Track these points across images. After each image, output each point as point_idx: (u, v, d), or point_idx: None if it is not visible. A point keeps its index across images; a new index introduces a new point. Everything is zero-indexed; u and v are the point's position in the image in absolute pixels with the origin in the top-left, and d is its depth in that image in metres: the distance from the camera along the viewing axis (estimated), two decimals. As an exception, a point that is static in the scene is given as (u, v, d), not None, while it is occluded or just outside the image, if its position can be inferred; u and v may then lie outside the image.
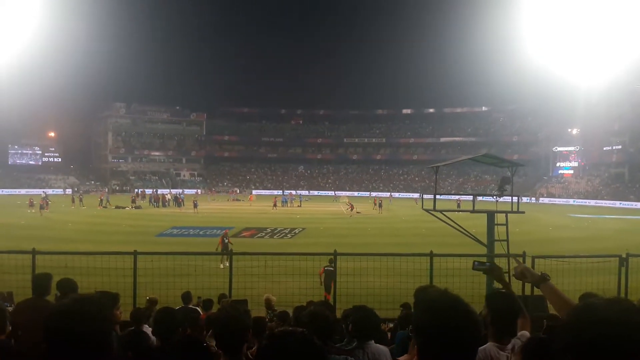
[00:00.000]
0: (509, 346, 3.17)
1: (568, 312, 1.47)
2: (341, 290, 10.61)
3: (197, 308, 8.97)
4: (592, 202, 72.05)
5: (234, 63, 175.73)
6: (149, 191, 69.32)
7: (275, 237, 29.39)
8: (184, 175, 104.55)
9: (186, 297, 9.38)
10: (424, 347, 1.57)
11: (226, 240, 20.19)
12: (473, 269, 3.70)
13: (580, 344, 1.36)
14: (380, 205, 50.18)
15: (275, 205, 52.70)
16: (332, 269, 12.17)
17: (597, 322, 1.35)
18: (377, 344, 3.94)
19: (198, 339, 3.45)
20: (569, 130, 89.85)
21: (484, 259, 3.98)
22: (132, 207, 50.13)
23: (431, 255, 10.48)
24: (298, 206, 56.11)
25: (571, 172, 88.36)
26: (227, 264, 14.10)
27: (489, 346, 3.11)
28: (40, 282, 5.27)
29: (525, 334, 3.35)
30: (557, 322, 3.82)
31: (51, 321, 1.78)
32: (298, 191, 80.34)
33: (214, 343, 3.92)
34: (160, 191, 70.02)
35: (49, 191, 71.84)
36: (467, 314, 1.58)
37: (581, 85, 78.84)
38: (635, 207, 64.67)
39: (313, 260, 11.18)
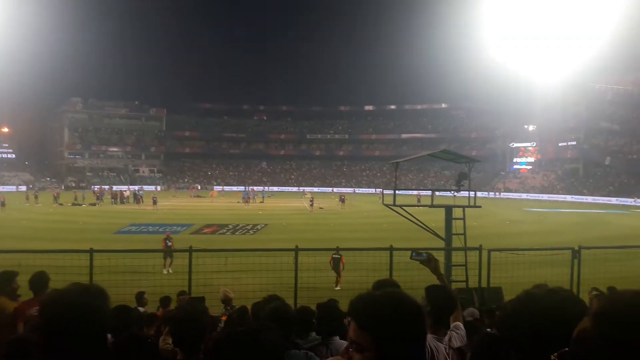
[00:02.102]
0: (446, 338, 3.25)
1: (511, 302, 1.50)
2: (302, 285, 10.61)
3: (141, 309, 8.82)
4: (547, 197, 74.24)
5: (195, 58, 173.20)
6: (105, 188, 67.87)
7: (237, 233, 29.17)
8: (143, 172, 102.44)
9: (139, 298, 9.27)
10: (378, 341, 1.54)
11: (169, 243, 18.39)
12: (411, 258, 3.75)
13: (520, 332, 1.39)
14: (342, 201, 50.50)
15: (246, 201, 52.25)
16: (337, 256, 15.02)
17: (536, 311, 1.38)
18: (342, 340, 3.93)
19: (143, 337, 3.40)
20: (526, 127, 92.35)
21: (423, 250, 4.03)
22: (97, 204, 49.33)
23: (391, 249, 10.60)
24: (261, 202, 55.88)
25: (528, 167, 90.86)
26: (171, 271, 14.24)
27: (428, 338, 3.15)
28: (3, 278, 5.21)
29: (458, 325, 3.42)
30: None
31: (50, 311, 1.60)
32: (265, 187, 79.76)
33: (169, 340, 3.87)
34: (118, 188, 68.60)
35: (2, 188, 69.27)
36: (414, 306, 1.58)
37: (538, 84, 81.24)
38: (589, 201, 66.98)
39: (274, 256, 11.14)
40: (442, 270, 4.30)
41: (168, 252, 16.34)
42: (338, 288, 14.82)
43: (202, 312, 3.11)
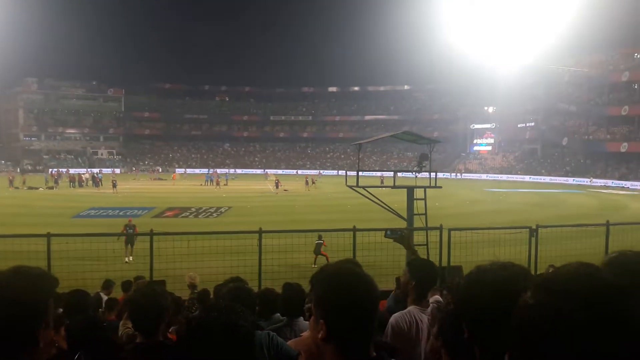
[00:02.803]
0: (428, 310, 3.35)
1: (464, 278, 1.53)
2: (266, 267, 10.62)
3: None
4: (506, 177, 76.06)
5: (154, 37, 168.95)
6: (63, 170, 66.13)
7: (200, 216, 28.89)
8: (102, 154, 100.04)
9: (107, 285, 9.12)
10: (332, 325, 1.57)
11: (130, 230, 16.83)
12: (385, 236, 3.86)
13: (471, 307, 1.42)
14: (309, 183, 50.66)
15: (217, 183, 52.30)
16: (320, 242, 15.80)
17: (486, 285, 1.40)
18: (306, 321, 3.96)
19: (97, 320, 3.34)
20: (486, 108, 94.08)
21: (397, 229, 4.16)
22: (55, 187, 48.22)
23: (354, 230, 10.68)
24: (224, 185, 55.40)
25: (488, 148, 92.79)
26: (132, 259, 13.86)
27: (412, 309, 3.30)
28: None
29: (437, 298, 3.56)
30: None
31: None
32: (229, 170, 79.10)
33: (130, 325, 3.82)
34: (75, 171, 66.84)
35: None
36: (370, 284, 1.61)
37: (498, 66, 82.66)
38: (546, 181, 68.98)
39: (238, 239, 11.09)
40: (400, 249, 4.41)
41: (129, 238, 15.75)
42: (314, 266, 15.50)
43: (160, 295, 3.06)
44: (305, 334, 3.13)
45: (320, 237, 15.95)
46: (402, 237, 3.82)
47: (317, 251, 16.07)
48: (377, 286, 1.63)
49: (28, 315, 1.46)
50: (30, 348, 1.46)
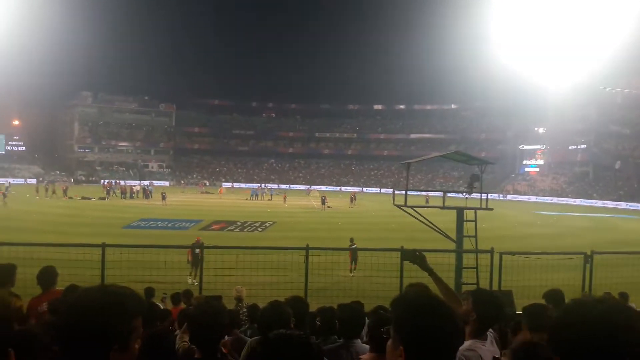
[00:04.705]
0: (488, 340, 3.20)
1: (558, 312, 1.49)
2: (312, 285, 10.60)
3: (159, 304, 8.83)
4: (556, 200, 73.77)
5: (205, 54, 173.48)
6: (114, 182, 68.29)
7: (245, 230, 29.22)
8: (152, 167, 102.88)
9: (148, 292, 9.27)
10: (410, 349, 1.56)
11: (197, 252, 14.46)
12: (402, 259, 3.75)
13: (568, 341, 1.38)
14: (352, 200, 50.60)
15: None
16: (354, 245, 16.65)
17: (585, 320, 1.37)
18: (363, 344, 3.89)
19: (170, 331, 3.39)
20: (536, 129, 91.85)
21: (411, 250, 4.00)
22: (107, 198, 49.95)
23: (402, 250, 10.55)
24: (269, 200, 55.97)
25: (537, 170, 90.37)
26: (197, 282, 12.86)
27: (471, 343, 3.06)
28: (1, 272, 5.12)
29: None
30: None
31: (73, 313, 1.50)
32: (274, 185, 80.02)
33: (186, 338, 3.88)
34: (127, 182, 68.91)
35: (13, 181, 69.72)
36: (450, 314, 1.59)
37: (548, 85, 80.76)
38: (598, 205, 66.53)
39: (285, 255, 11.12)
40: (448, 272, 4.23)
41: (195, 259, 14.29)
42: (352, 275, 16.30)
43: (219, 312, 3.11)
44: (365, 357, 3.09)
45: (352, 241, 17.14)
46: (415, 257, 3.66)
47: (355, 256, 16.58)
48: (457, 315, 1.61)
49: (105, 335, 1.49)
50: None
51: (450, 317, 1.59)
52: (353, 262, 16.81)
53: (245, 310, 7.52)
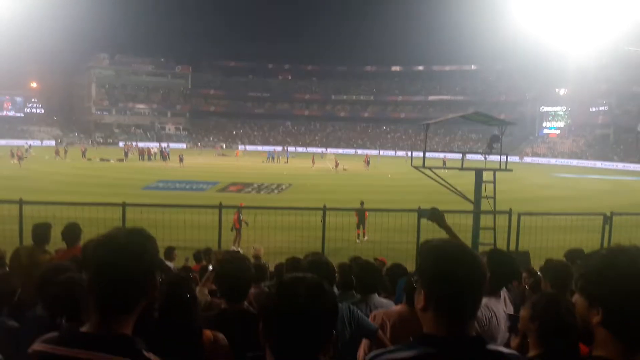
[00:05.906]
0: (501, 299, 3.23)
1: (593, 261, 1.47)
2: (329, 244, 10.69)
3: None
4: (576, 162, 72.84)
5: (221, 15, 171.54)
6: (133, 144, 68.89)
7: (262, 192, 29.40)
8: (169, 129, 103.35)
9: (168, 253, 9.48)
10: (431, 294, 1.56)
11: (242, 217, 14.84)
12: (419, 217, 3.71)
13: (606, 290, 1.37)
14: (368, 163, 50.55)
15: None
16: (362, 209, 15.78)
17: (622, 269, 1.36)
18: (381, 298, 3.94)
19: (188, 277, 3.45)
20: (557, 90, 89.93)
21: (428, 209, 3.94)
22: (125, 160, 50.37)
23: (419, 211, 10.55)
24: (285, 162, 56.08)
25: (557, 132, 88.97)
26: (239, 248, 13.16)
27: (487, 302, 3.04)
28: (40, 231, 5.41)
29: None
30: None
31: (100, 254, 1.53)
32: (291, 147, 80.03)
33: (206, 291, 3.95)
34: (144, 144, 69.48)
35: (31, 142, 70.63)
36: (477, 264, 1.58)
37: (570, 46, 78.52)
38: (618, 167, 65.59)
39: (302, 215, 11.19)
40: (465, 232, 4.19)
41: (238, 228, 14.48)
42: (366, 238, 15.84)
43: (247, 264, 3.20)
44: (396, 307, 3.11)
45: (362, 204, 16.19)
46: (434, 214, 3.62)
47: (362, 220, 16.01)
48: (483, 264, 1.59)
49: (153, 267, 1.62)
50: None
51: (478, 267, 1.57)
52: (361, 226, 16.15)
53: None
